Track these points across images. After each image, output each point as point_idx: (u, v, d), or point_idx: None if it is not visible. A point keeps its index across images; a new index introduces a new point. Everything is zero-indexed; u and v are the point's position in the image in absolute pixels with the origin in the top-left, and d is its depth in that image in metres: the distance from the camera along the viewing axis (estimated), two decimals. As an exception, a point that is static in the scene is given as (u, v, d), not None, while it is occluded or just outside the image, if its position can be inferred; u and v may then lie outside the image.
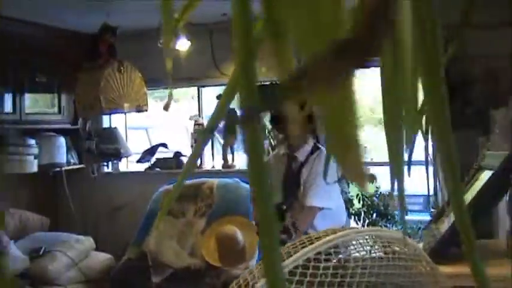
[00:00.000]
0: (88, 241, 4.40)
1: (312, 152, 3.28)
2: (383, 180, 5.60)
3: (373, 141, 8.57)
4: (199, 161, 4.92)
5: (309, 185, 3.17)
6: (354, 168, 0.28)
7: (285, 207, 3.12)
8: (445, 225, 1.69)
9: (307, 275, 0.80)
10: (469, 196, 1.62)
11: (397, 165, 0.45)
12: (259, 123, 0.36)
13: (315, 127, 3.33)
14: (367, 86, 8.42)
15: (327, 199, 3.15)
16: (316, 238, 0.85)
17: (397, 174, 0.45)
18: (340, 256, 0.87)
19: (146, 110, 4.71)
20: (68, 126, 4.91)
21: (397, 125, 0.45)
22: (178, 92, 6.10)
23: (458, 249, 1.55)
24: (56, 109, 4.85)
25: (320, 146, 3.44)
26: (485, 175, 1.71)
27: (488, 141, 2.20)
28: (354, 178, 0.29)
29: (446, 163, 0.36)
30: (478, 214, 1.55)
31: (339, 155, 0.29)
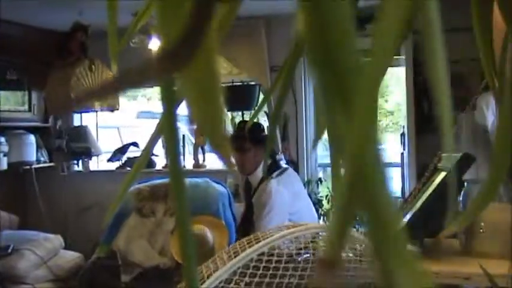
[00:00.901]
0: (57, 240, 4.39)
1: (262, 179, 3.38)
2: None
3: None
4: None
5: (259, 220, 3.29)
6: (216, 138, 0.31)
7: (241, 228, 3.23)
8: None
9: (256, 275, 0.85)
10: (423, 197, 1.70)
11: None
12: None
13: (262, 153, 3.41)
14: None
15: (282, 219, 3.21)
16: (262, 237, 0.91)
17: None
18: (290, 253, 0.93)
19: (117, 109, 4.72)
20: (39, 124, 4.89)
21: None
22: (150, 91, 6.11)
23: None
24: (26, 107, 4.82)
25: (272, 176, 3.44)
26: (441, 176, 1.79)
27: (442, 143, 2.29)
28: (217, 149, 0.31)
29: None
30: (432, 214, 1.62)
31: (204, 127, 0.31)
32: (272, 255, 0.88)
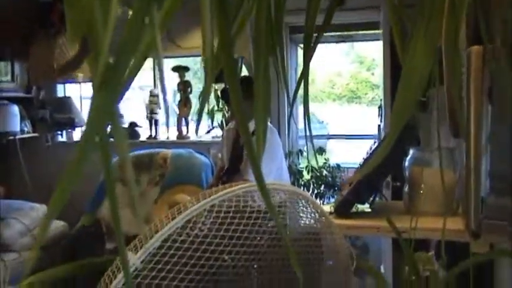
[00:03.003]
0: (42, 209, 4.46)
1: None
2: (334, 153, 5.83)
3: (331, 115, 8.79)
4: (154, 132, 5.01)
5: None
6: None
7: (224, 178, 3.27)
8: (344, 190, 1.90)
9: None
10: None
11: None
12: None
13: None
14: (328, 61, 8.59)
15: (267, 173, 3.31)
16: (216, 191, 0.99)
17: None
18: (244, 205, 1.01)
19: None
20: (22, 94, 4.92)
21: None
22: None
23: (354, 207, 1.76)
24: (9, 77, 4.84)
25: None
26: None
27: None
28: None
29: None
30: (377, 179, 1.78)
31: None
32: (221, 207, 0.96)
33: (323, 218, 1.22)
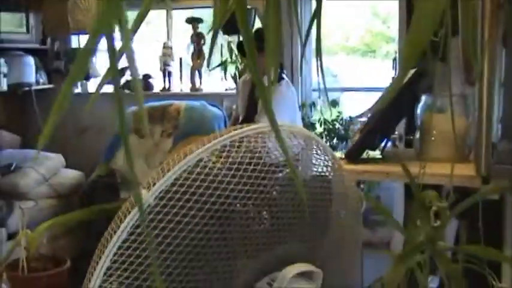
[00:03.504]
0: (58, 158, 4.53)
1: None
2: (348, 106, 5.81)
3: (344, 68, 8.70)
4: (167, 84, 5.02)
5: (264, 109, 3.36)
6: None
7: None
8: (355, 137, 1.91)
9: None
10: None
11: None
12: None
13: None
14: (341, 14, 8.45)
15: (292, 115, 3.37)
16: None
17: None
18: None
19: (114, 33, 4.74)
20: (37, 45, 4.92)
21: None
22: (148, 15, 6.07)
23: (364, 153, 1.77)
24: (24, 28, 4.84)
25: (284, 76, 3.62)
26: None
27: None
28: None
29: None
30: (387, 123, 1.78)
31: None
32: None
33: (334, 163, 1.24)
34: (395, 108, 1.76)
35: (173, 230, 0.93)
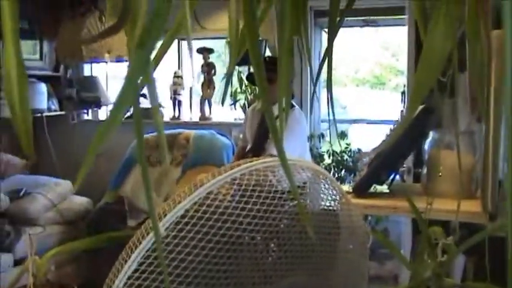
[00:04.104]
0: (67, 185, 4.56)
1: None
2: (356, 138, 5.83)
3: (354, 100, 8.74)
4: (177, 113, 5.07)
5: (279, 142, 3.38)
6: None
7: (250, 154, 3.31)
8: (363, 171, 1.92)
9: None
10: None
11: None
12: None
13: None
14: (351, 46, 8.53)
15: (291, 152, 3.36)
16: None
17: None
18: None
19: (126, 60, 4.82)
20: (49, 73, 5.00)
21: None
22: (158, 44, 6.18)
23: (372, 187, 1.78)
24: (37, 56, 4.93)
25: (294, 104, 3.66)
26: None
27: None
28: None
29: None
30: (394, 163, 1.80)
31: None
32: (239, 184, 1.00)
33: (342, 197, 1.25)
34: (403, 144, 1.78)
35: (183, 261, 0.94)
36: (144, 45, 0.35)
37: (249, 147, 3.72)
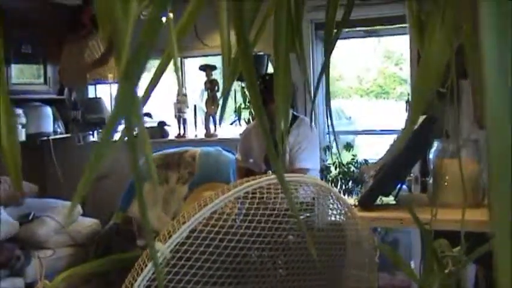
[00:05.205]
0: (75, 207, 4.56)
1: (291, 121, 3.48)
2: (362, 149, 5.82)
3: (359, 110, 8.75)
4: (182, 131, 5.08)
5: (297, 149, 3.40)
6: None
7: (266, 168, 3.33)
8: (370, 183, 1.91)
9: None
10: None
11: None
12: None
13: (291, 97, 3.53)
14: (355, 56, 8.55)
15: (314, 161, 3.40)
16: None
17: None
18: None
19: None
20: (54, 96, 5.04)
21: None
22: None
23: (378, 199, 1.78)
24: (42, 79, 4.96)
25: (298, 114, 3.67)
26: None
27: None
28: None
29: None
30: (399, 174, 1.79)
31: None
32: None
33: (347, 211, 1.24)
34: (407, 154, 1.78)
35: (189, 282, 0.94)
36: (129, 78, 0.35)
37: (264, 167, 3.64)
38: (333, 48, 0.85)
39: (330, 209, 1.17)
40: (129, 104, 0.36)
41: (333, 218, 1.17)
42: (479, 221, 1.57)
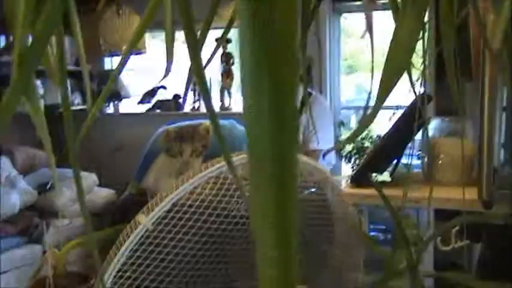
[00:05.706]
0: (91, 177, 4.66)
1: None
2: (380, 124, 5.78)
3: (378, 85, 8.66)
4: (197, 104, 5.11)
5: (310, 129, 3.39)
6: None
7: None
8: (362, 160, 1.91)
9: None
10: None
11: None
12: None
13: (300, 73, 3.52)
14: (379, 30, 8.43)
15: (328, 141, 3.40)
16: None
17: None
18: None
19: (145, 52, 4.87)
20: (71, 67, 5.09)
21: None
22: (178, 35, 6.21)
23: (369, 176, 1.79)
24: (59, 51, 5.01)
25: (311, 91, 3.66)
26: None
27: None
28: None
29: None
30: (393, 151, 1.79)
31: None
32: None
33: (333, 186, 1.26)
34: (398, 133, 1.78)
35: (169, 254, 0.97)
36: (25, 63, 0.37)
37: None
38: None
39: (314, 183, 1.19)
40: (25, 87, 0.38)
41: (317, 191, 1.19)
42: (470, 199, 1.58)
